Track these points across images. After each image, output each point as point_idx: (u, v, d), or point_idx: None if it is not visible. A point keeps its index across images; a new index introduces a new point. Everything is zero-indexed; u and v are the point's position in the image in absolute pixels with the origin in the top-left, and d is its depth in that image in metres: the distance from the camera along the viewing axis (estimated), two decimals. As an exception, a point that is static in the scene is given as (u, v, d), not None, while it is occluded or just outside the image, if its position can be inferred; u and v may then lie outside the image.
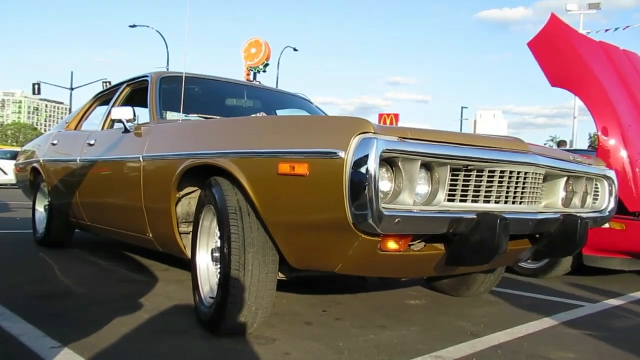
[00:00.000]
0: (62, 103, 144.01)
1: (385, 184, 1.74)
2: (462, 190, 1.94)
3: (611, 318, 2.72)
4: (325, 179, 1.69)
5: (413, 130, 1.78)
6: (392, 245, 1.81)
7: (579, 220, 2.23)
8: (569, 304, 2.99)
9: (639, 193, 3.52)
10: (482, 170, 1.96)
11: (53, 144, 4.12)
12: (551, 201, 2.43)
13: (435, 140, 1.81)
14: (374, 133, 1.64)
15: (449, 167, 1.86)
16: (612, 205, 2.62)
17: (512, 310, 2.84)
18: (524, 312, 2.79)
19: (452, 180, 1.90)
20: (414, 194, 1.78)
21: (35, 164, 4.33)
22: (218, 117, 2.95)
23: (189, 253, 2.51)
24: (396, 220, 1.66)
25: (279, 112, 4.14)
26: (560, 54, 3.81)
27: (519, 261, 2.83)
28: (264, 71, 28.39)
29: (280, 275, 2.24)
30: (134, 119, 3.03)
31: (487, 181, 1.99)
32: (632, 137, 3.66)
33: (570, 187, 2.53)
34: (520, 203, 2.11)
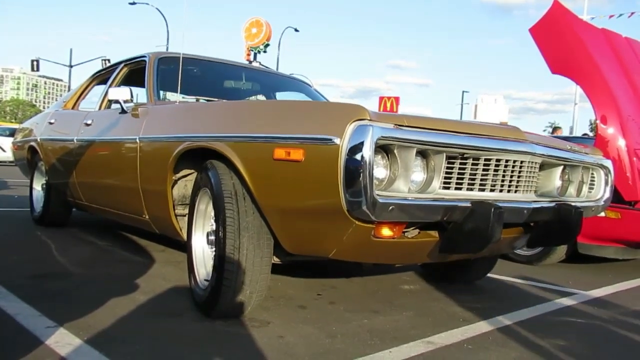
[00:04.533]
0: (61, 80, 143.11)
1: (380, 171, 1.74)
2: (458, 178, 1.94)
3: (602, 307, 2.74)
4: (321, 165, 1.69)
5: (409, 117, 1.77)
6: (386, 232, 1.82)
7: (574, 210, 2.23)
8: (562, 292, 3.02)
9: (635, 182, 3.53)
10: (478, 159, 1.96)
11: (50, 123, 4.10)
12: (547, 189, 2.44)
13: (431, 128, 1.81)
14: (370, 120, 1.64)
15: (445, 155, 1.86)
16: (607, 194, 2.62)
17: (505, 298, 2.87)
18: (517, 299, 2.81)
19: (447, 167, 1.90)
20: (409, 182, 1.79)
21: (32, 143, 4.32)
22: (216, 100, 2.93)
23: (185, 235, 2.52)
24: (390, 207, 1.67)
25: (278, 95, 4.13)
26: (561, 40, 3.79)
27: (513, 249, 2.84)
28: (265, 51, 28.19)
29: (275, 259, 2.25)
30: (132, 100, 3.02)
31: (483, 169, 1.99)
32: (632, 128, 3.65)
33: (567, 176, 2.53)
34: (516, 192, 2.11)
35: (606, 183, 2.62)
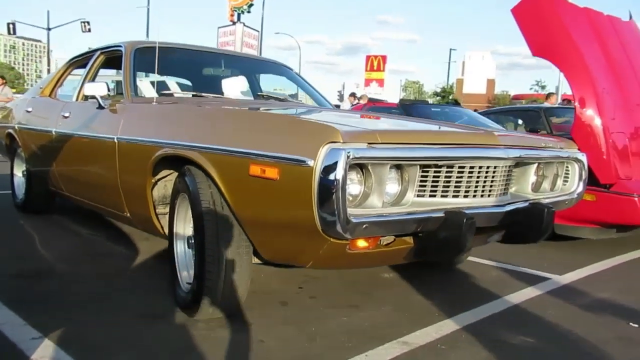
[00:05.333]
0: (39, 41, 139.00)
1: (354, 187, 1.78)
2: (432, 186, 1.98)
3: (573, 295, 2.85)
4: (295, 185, 1.72)
5: (383, 133, 1.80)
6: (361, 244, 1.87)
7: (546, 210, 2.29)
8: (536, 277, 3.11)
9: (611, 166, 3.59)
10: (452, 167, 2.00)
11: (28, 111, 4.05)
12: (521, 186, 2.49)
13: (405, 143, 1.83)
14: (342, 142, 1.65)
15: (418, 166, 1.89)
16: (580, 188, 2.68)
17: (480, 285, 2.96)
18: (492, 287, 2.90)
19: (422, 176, 1.94)
20: (384, 195, 1.82)
21: (10, 130, 4.27)
22: (194, 102, 2.89)
23: (166, 232, 2.55)
24: (364, 226, 1.71)
25: (260, 77, 4.10)
26: (543, 23, 3.77)
27: (487, 243, 2.90)
28: (249, 12, 27.58)
29: (256, 260, 2.30)
30: (108, 95, 2.99)
31: (457, 177, 2.02)
32: (607, 102, 3.67)
33: (541, 172, 2.58)
34: (489, 196, 2.15)
35: (580, 177, 2.67)
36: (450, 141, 1.98)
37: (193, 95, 3.06)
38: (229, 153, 1.98)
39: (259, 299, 2.51)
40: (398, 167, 1.89)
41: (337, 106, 19.44)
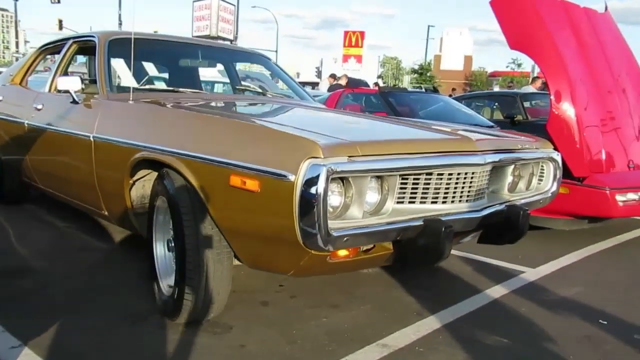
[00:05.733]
0: (6, 10, 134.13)
1: (335, 199, 1.79)
2: (411, 194, 2.00)
3: (545, 291, 2.93)
4: (276, 199, 1.72)
5: (363, 145, 1.80)
6: (342, 253, 1.89)
7: (522, 212, 2.33)
8: (511, 272, 3.20)
9: (584, 159, 3.68)
10: (430, 174, 2.02)
11: (-1, 100, 3.93)
12: (498, 187, 2.53)
13: (385, 154, 1.84)
14: (323, 157, 1.66)
15: (398, 175, 1.91)
16: (555, 188, 2.73)
17: (457, 281, 3.03)
18: (469, 282, 2.98)
19: (401, 184, 1.96)
20: (364, 205, 1.84)
21: (-20, 118, 4.14)
22: (173, 99, 2.84)
23: (145, 232, 2.54)
24: (345, 239, 1.73)
25: (238, 66, 4.05)
26: (521, 16, 3.79)
27: (459, 243, 2.94)
28: (225, -15, 26.98)
29: (237, 262, 2.30)
30: (82, 90, 2.93)
31: (436, 183, 2.05)
32: (581, 96, 3.74)
33: (518, 172, 2.62)
34: (467, 201, 2.19)
35: (554, 177, 2.73)
36: (429, 150, 2.00)
37: (171, 91, 3.01)
38: (209, 162, 1.96)
39: (239, 299, 2.53)
40: (378, 177, 1.90)
41: (316, 84, 19.21)
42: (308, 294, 2.67)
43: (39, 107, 3.30)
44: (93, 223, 3.74)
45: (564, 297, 2.84)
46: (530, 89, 8.04)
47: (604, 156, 3.81)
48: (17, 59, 35.67)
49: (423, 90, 8.36)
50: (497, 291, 2.86)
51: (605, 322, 2.51)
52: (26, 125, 3.39)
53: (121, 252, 3.19)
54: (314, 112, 2.97)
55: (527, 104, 6.59)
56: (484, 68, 65.43)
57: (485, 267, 3.29)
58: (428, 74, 50.34)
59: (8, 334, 2.08)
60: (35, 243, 3.30)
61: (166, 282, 2.33)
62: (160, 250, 2.38)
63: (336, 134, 1.89)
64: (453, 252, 3.44)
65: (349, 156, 1.73)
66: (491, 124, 5.31)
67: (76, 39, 3.50)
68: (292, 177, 1.66)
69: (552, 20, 3.75)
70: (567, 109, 3.69)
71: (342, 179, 1.79)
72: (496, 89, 25.04)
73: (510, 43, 3.86)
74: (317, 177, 1.63)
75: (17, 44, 36.35)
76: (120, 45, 3.11)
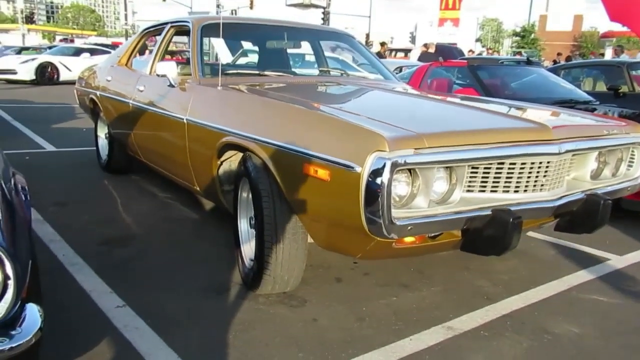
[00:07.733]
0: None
1: (401, 188, 1.86)
2: (481, 183, 2.02)
3: (631, 278, 2.82)
4: (344, 188, 1.82)
5: (430, 137, 1.84)
6: (408, 239, 1.97)
7: (602, 201, 2.26)
8: (595, 257, 3.09)
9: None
10: (502, 163, 2.02)
11: (108, 80, 4.33)
12: (579, 174, 2.47)
13: (453, 145, 1.87)
14: (389, 151, 1.72)
15: (467, 165, 1.93)
16: (646, 174, 2.60)
17: (535, 265, 2.98)
18: (547, 268, 2.93)
19: (471, 173, 1.98)
20: (430, 194, 1.89)
21: (92, 96, 4.60)
22: (258, 83, 3.01)
23: (231, 209, 2.76)
24: (409, 227, 1.80)
25: (323, 43, 4.15)
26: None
27: (540, 227, 2.88)
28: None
29: (311, 239, 2.45)
30: (178, 73, 3.17)
31: (508, 173, 2.05)
32: None
33: (603, 158, 2.52)
34: (541, 190, 2.16)
35: (646, 163, 2.59)
36: (500, 140, 1.99)
37: (257, 75, 3.18)
38: (285, 150, 2.10)
39: (315, 274, 2.69)
40: (446, 167, 1.94)
41: (409, 50, 18.52)
42: (380, 271, 2.78)
43: (141, 88, 3.62)
44: (189, 197, 4.07)
45: (650, 290, 2.72)
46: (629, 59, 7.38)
47: None
48: (126, 31, 38.09)
49: (524, 57, 7.90)
50: (576, 278, 2.80)
51: (692, 319, 2.39)
52: (131, 104, 3.74)
53: (212, 224, 3.47)
54: (391, 95, 3.01)
55: (636, 73, 6.11)
56: (595, 28, 59.88)
57: (567, 251, 3.20)
58: (532, 36, 47.17)
59: (115, 295, 2.39)
60: (137, 212, 3.66)
61: (248, 256, 2.54)
62: (244, 226, 2.58)
63: (405, 124, 1.93)
64: (534, 235, 3.38)
65: (416, 148, 1.78)
66: (590, 98, 5.00)
67: (173, 24, 3.76)
68: (358, 169, 1.75)
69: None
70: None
71: (409, 169, 1.85)
72: (608, 51, 23.04)
73: (610, 15, 3.61)
74: (382, 169, 1.71)
75: (125, 16, 38.65)
76: (210, 30, 3.32)
